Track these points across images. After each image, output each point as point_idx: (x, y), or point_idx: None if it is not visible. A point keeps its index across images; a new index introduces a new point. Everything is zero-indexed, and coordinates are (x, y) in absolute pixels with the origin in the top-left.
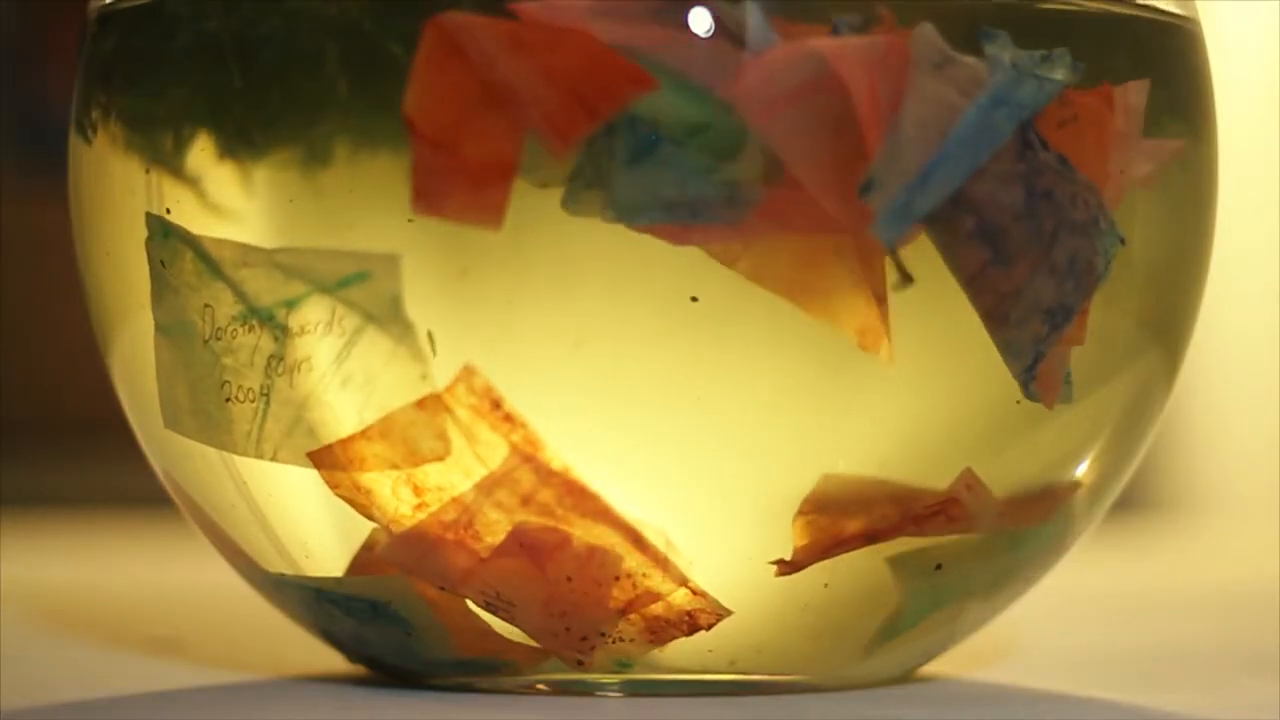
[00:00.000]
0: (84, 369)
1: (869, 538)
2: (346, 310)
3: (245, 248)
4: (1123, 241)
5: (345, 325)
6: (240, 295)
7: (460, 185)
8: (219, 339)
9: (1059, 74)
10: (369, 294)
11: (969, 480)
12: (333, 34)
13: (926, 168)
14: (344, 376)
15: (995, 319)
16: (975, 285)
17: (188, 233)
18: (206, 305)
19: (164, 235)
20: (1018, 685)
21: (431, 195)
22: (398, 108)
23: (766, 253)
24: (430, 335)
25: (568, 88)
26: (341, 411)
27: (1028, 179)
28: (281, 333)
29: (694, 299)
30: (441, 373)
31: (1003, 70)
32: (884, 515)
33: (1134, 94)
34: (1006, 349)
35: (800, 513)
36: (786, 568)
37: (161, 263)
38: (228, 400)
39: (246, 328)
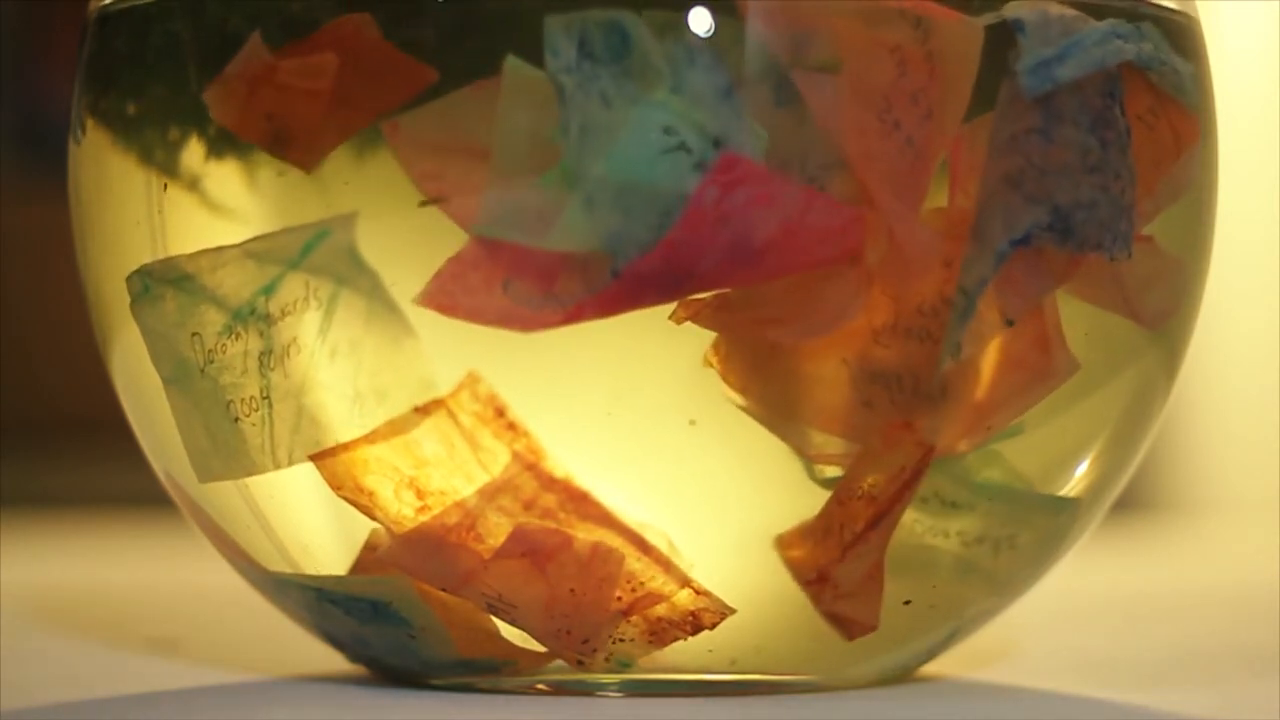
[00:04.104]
0: (84, 369)
1: (873, 524)
2: (319, 281)
3: (218, 250)
4: (1129, 255)
5: (320, 295)
6: (220, 303)
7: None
8: (212, 361)
9: (1179, 66)
10: (331, 253)
11: (918, 440)
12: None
13: (1068, 44)
14: (331, 348)
15: (1011, 181)
16: (1011, 145)
17: (165, 263)
18: (194, 334)
19: (145, 289)
20: (1018, 685)
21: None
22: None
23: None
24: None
25: None
26: (338, 388)
27: (1096, 118)
28: (265, 324)
29: (692, 422)
30: (446, 380)
31: (1123, 25)
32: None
33: (1199, 150)
34: (1005, 214)
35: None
36: (817, 581)
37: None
38: (236, 420)
39: (233, 336)
